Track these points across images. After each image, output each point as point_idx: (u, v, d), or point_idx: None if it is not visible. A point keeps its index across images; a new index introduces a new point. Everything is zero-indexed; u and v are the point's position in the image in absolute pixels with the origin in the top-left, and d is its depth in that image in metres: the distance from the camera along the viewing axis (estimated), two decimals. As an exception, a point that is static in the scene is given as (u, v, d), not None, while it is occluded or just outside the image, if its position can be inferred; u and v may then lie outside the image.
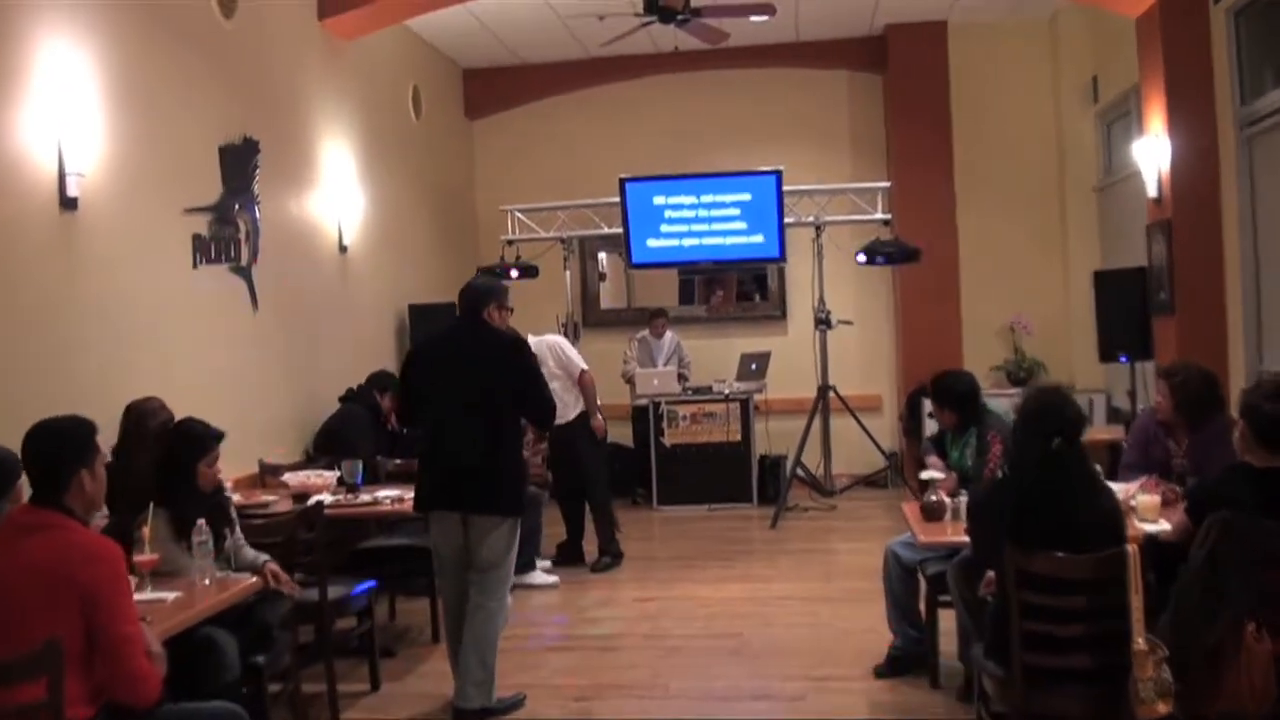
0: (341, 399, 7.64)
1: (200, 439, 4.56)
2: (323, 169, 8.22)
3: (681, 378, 10.53)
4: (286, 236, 7.59)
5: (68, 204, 5.35)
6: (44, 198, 5.25)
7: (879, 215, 9.69)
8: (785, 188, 9.45)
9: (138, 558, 4.17)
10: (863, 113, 11.07)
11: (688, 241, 9.83)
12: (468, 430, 4.91)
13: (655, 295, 11.27)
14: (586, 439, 7.88)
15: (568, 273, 10.42)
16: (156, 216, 6.12)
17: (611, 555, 7.87)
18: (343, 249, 8.47)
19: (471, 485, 4.91)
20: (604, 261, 11.64)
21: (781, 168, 9.49)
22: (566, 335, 9.79)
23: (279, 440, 7.27)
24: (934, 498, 4.84)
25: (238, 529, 4.70)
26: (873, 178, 10.36)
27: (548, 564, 7.76)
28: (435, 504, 5.06)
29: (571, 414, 7.69)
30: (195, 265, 6.47)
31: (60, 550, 3.31)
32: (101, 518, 4.32)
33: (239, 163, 6.95)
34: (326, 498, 5.87)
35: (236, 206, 6.90)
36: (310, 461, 7.28)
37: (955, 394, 5.45)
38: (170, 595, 4.05)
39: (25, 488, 3.61)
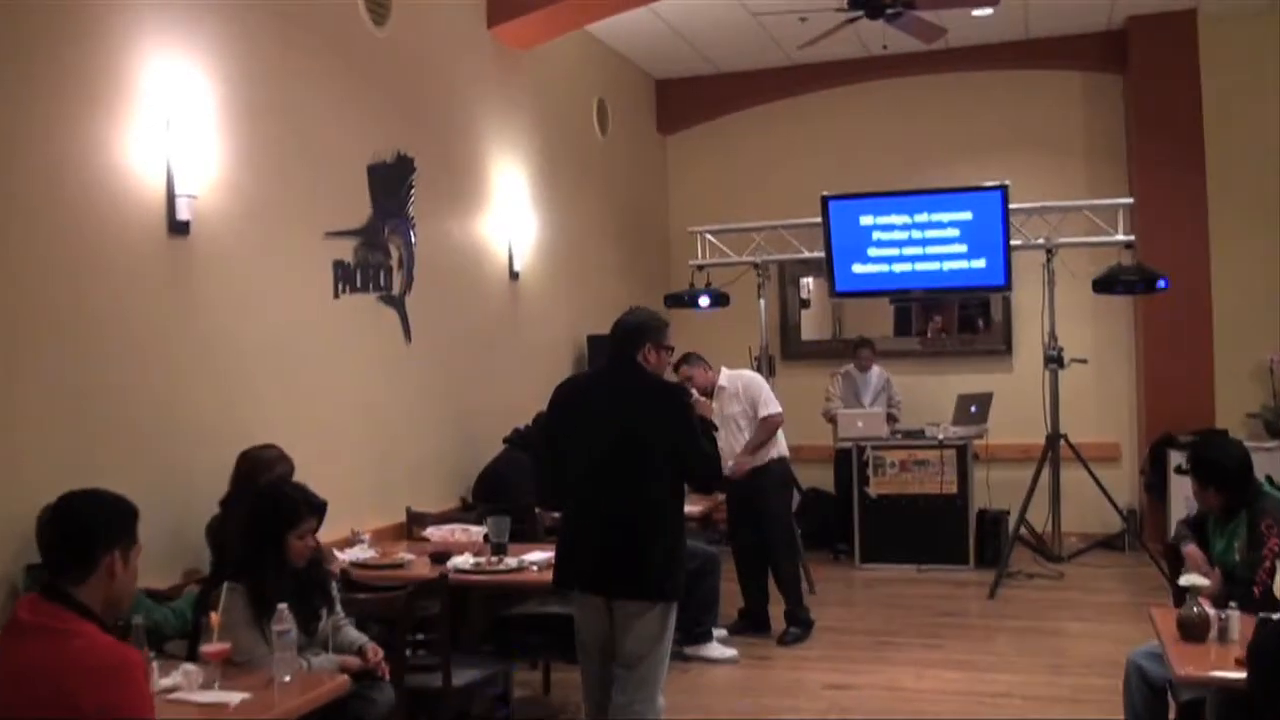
0: (506, 441, 6.92)
1: (291, 506, 3.87)
2: (491, 189, 7.56)
3: (891, 419, 9.45)
4: (447, 262, 6.95)
5: (177, 228, 4.78)
6: (152, 222, 4.70)
7: (1119, 237, 8.36)
8: (1011, 206, 8.24)
9: (204, 648, 3.51)
10: (1100, 119, 9.74)
11: (899, 267, 8.73)
12: (613, 496, 4.09)
13: (866, 324, 10.20)
14: (774, 489, 6.96)
15: (762, 301, 9.48)
16: (291, 241, 5.53)
17: (800, 625, 6.89)
18: (513, 275, 7.79)
19: (616, 563, 4.09)
20: (807, 287, 10.65)
21: (1007, 182, 8.31)
22: (760, 370, 8.90)
23: (431, 486, 6.61)
24: (1195, 610, 3.71)
25: (338, 607, 3.99)
26: (1111, 194, 9.01)
27: (724, 634, 6.84)
28: (574, 583, 4.26)
29: (758, 461, 6.82)
30: (337, 294, 5.86)
31: (65, 662, 2.62)
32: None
33: (391, 182, 6.34)
34: (468, 560, 5.14)
35: (387, 230, 6.29)
36: (467, 510, 6.60)
37: (1222, 470, 4.31)
38: (237, 698, 3.32)
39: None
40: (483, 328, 7.36)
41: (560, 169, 8.58)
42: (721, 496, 7.07)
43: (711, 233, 9.47)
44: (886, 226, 8.69)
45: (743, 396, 6.92)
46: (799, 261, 9.82)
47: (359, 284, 6.04)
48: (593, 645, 4.23)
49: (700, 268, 9.38)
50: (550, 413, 4.36)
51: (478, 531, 5.56)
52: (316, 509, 3.92)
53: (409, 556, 5.36)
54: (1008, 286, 8.62)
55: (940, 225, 8.54)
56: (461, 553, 5.28)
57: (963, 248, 8.49)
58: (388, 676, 3.91)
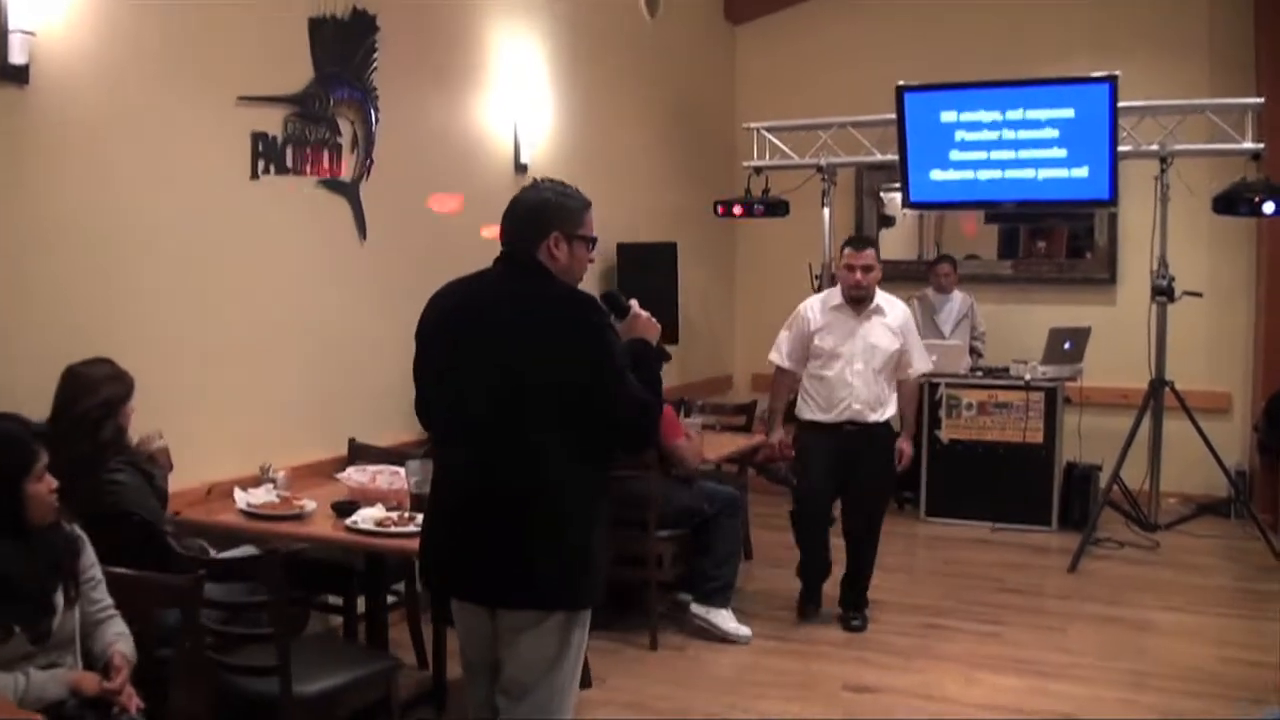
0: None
1: (18, 446, 2.80)
2: (490, 62, 6.34)
3: (973, 352, 8.13)
4: (423, 146, 5.78)
5: (10, 74, 3.72)
6: None
7: (1246, 145, 6.79)
8: (1120, 104, 6.76)
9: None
10: (1223, 7, 8.10)
11: (985, 174, 7.27)
12: (491, 463, 2.86)
13: (963, 247, 8.85)
14: (889, 453, 5.52)
15: (826, 210, 8.11)
16: (185, 103, 4.41)
17: (865, 612, 5.63)
18: (520, 168, 6.60)
19: (494, 558, 2.85)
20: (890, 203, 9.25)
21: (1117, 73, 6.80)
22: (821, 290, 7.63)
23: (393, 415, 5.51)
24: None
25: (100, 590, 2.93)
26: (1236, 95, 7.39)
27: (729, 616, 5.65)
28: (442, 584, 3.11)
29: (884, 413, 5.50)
30: (256, 174, 4.75)
31: None
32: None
33: (342, 43, 5.17)
34: (373, 514, 4.05)
35: (334, 101, 5.14)
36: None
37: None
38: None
39: None
40: (471, 226, 6.18)
41: (593, 50, 7.32)
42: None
43: (770, 130, 8.13)
44: (972, 125, 7.23)
45: (898, 331, 5.46)
46: (876, 168, 8.45)
47: (290, 164, 4.92)
48: (479, 665, 3.05)
49: (758, 170, 8.08)
50: (417, 338, 3.11)
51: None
52: (47, 437, 2.85)
53: (310, 505, 4.29)
54: (1113, 201, 7.09)
55: (1036, 124, 7.05)
56: (374, 503, 4.20)
57: (1061, 152, 7.00)
58: (133, 709, 2.79)
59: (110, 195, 4.14)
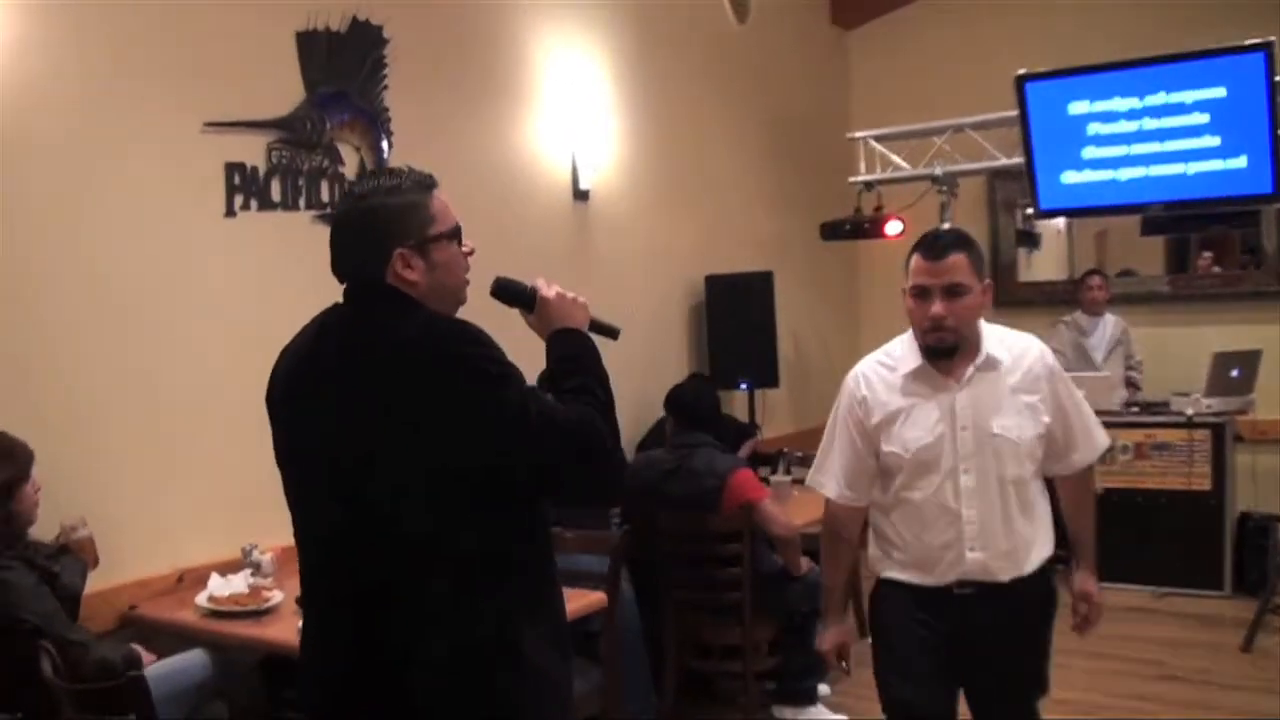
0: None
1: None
2: (536, 76, 5.66)
3: (1129, 384, 7.03)
4: (450, 171, 5.08)
5: None
6: None
7: None
8: (1281, 77, 5.64)
9: None
10: None
11: (1125, 173, 6.19)
12: (359, 575, 2.01)
13: (1121, 262, 7.76)
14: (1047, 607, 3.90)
15: (945, 227, 7.11)
16: (142, 131, 3.85)
17: None
18: (579, 195, 5.89)
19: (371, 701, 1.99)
20: (1023, 217, 8.20)
21: (1273, 39, 5.67)
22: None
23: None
24: None
25: None
26: None
27: (826, 692, 4.82)
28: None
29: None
30: (232, 211, 4.15)
31: None
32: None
33: (340, 58, 4.56)
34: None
35: (331, 125, 4.52)
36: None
37: None
38: None
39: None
40: (521, 262, 5.47)
41: (667, 60, 6.57)
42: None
43: (879, 139, 7.22)
44: (1107, 115, 6.17)
45: (1038, 395, 2.86)
46: (1010, 177, 7.39)
47: (276, 198, 4.30)
48: None
49: (868, 186, 7.17)
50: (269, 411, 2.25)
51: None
52: None
53: (278, 597, 3.60)
54: (1277, 195, 5.94)
55: (1182, 109, 5.94)
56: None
57: (1214, 140, 5.87)
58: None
59: (50, 242, 3.58)
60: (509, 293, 2.21)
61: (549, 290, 2.20)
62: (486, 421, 1.90)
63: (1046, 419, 2.80)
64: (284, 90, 4.35)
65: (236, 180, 4.16)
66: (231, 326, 4.13)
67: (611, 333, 2.29)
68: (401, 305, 2.05)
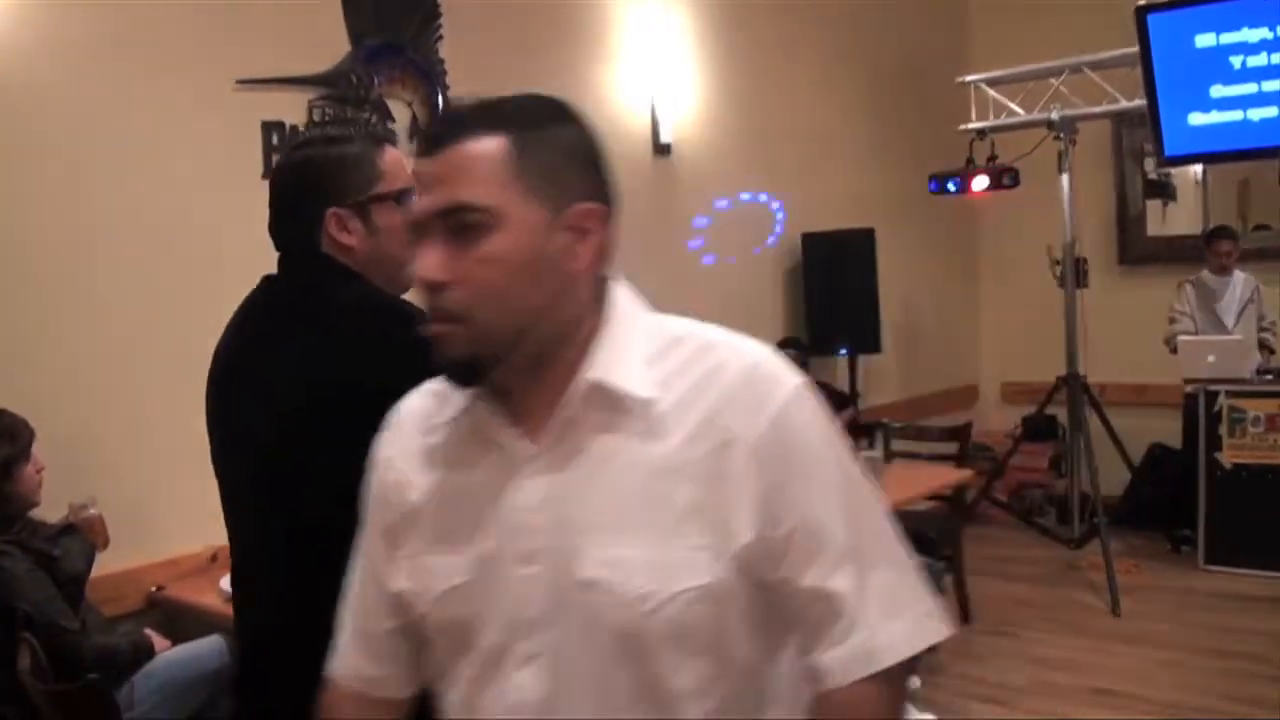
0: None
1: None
2: (611, 22, 5.34)
3: (1263, 348, 6.44)
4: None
5: None
6: None
7: None
8: None
9: None
10: None
11: (1257, 113, 5.56)
12: (263, 572, 1.80)
13: (1266, 213, 7.10)
14: None
15: (1064, 177, 6.56)
16: (167, 89, 3.67)
17: None
18: (660, 149, 5.56)
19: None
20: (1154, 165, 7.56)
21: None
22: (1066, 282, 6.23)
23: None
24: None
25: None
26: None
27: (916, 684, 4.45)
28: None
29: None
30: (267, 173, 3.96)
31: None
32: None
33: (389, 8, 4.32)
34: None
35: (380, 81, 4.29)
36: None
37: None
38: None
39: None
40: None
41: (755, 5, 6.18)
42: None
43: (990, 82, 6.70)
44: (1237, 47, 5.53)
45: (724, 471, 1.23)
46: (1118, 115, 6.74)
47: (320, 158, 4.10)
48: None
49: (980, 134, 6.66)
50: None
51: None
52: None
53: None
54: None
55: (1324, 41, 5.33)
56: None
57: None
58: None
59: (79, 206, 3.43)
60: None
61: None
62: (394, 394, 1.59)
63: (744, 542, 1.16)
64: (327, 44, 4.13)
65: (275, 140, 3.96)
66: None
67: None
68: (332, 273, 1.80)
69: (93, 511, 3.18)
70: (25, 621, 2.77)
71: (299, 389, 1.68)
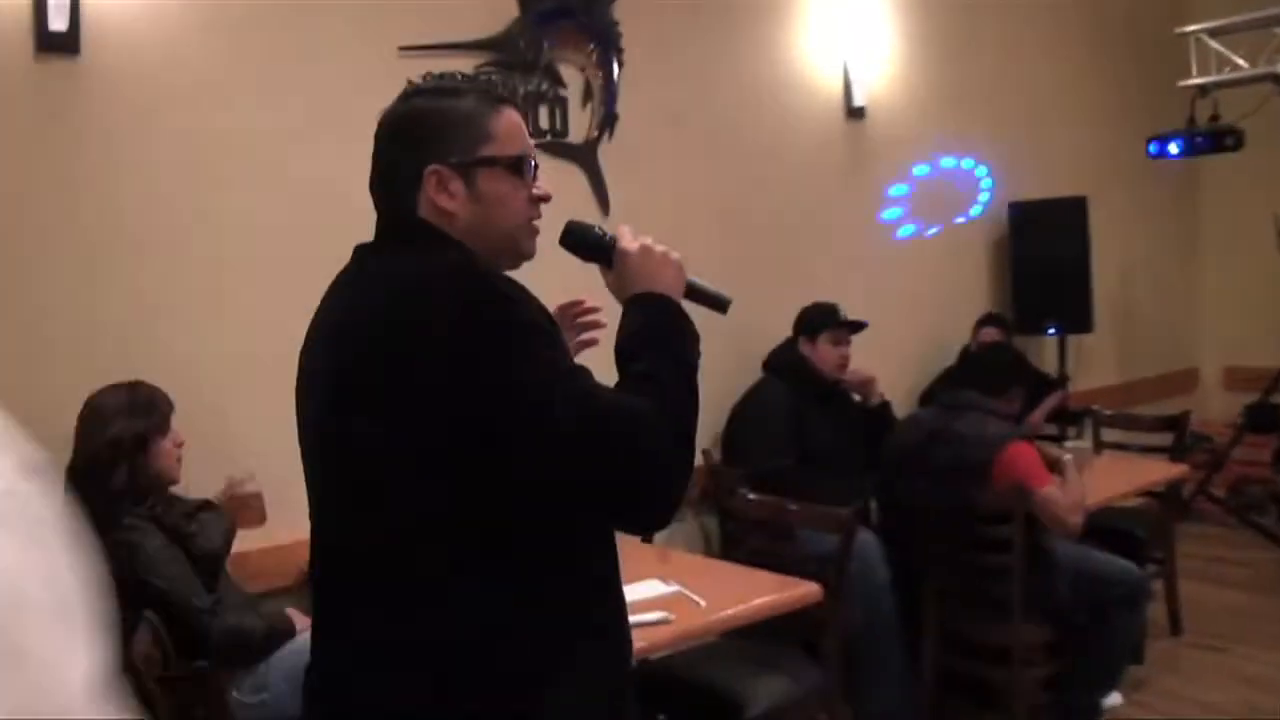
0: (766, 365, 4.52)
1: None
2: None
3: None
4: (692, 91, 4.56)
5: (52, 43, 3.03)
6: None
7: None
8: None
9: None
10: None
11: None
12: (334, 577, 1.62)
13: None
14: None
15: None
16: (321, 59, 3.56)
17: None
18: (854, 112, 5.21)
19: None
20: None
21: None
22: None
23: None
24: None
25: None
26: None
27: (1117, 701, 4.04)
28: None
29: None
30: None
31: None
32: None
33: (558, -31, 4.13)
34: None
35: (549, 44, 4.10)
36: (712, 473, 4.36)
37: None
38: None
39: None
40: (785, 193, 4.91)
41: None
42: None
43: (1212, 33, 6.08)
44: None
45: None
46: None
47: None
48: None
49: (1202, 91, 6.06)
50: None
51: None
52: None
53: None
54: None
55: None
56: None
57: None
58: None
59: (234, 181, 3.36)
60: (581, 241, 1.74)
61: (631, 242, 1.69)
62: (496, 395, 1.42)
63: None
64: (492, 8, 3.96)
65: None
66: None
67: (717, 303, 1.78)
68: (429, 241, 1.59)
69: (251, 488, 3.09)
70: (158, 598, 2.68)
71: (375, 364, 1.49)
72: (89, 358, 3.04)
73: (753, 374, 4.49)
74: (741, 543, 3.70)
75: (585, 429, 1.41)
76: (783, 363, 4.43)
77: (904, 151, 5.47)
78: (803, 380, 4.36)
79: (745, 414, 4.36)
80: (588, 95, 4.21)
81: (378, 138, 1.67)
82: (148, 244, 3.25)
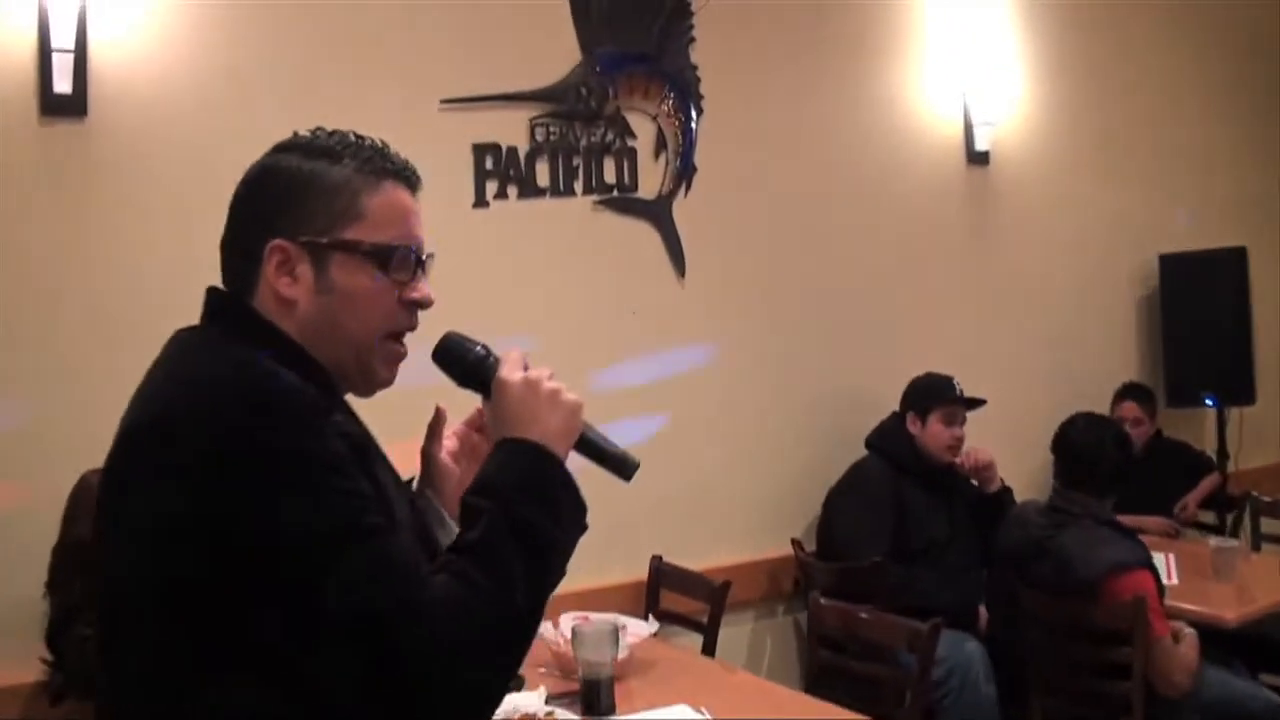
0: (869, 444, 4.00)
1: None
2: (913, 19, 4.53)
3: None
4: (785, 140, 4.13)
5: (56, 107, 2.85)
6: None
7: None
8: None
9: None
10: None
11: None
12: None
13: None
14: None
15: None
16: (349, 110, 3.26)
17: None
18: (975, 157, 4.67)
19: None
20: None
21: None
22: None
23: (740, 517, 3.95)
24: None
25: None
26: None
27: None
28: None
29: None
30: (483, 200, 3.48)
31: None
32: None
33: (625, 10, 3.75)
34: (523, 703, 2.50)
35: (616, 92, 3.72)
36: (802, 563, 3.90)
37: None
38: None
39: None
40: (898, 249, 4.40)
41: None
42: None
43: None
44: None
45: None
46: None
47: (543, 182, 3.57)
48: None
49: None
50: None
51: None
52: None
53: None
54: None
55: None
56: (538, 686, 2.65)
57: None
58: None
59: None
60: (455, 360, 1.35)
61: (514, 370, 1.29)
62: (245, 550, 1.08)
63: None
64: (550, 54, 3.61)
65: (489, 164, 3.48)
66: (488, 334, 3.45)
67: (620, 466, 1.36)
68: (244, 334, 1.24)
69: None
70: None
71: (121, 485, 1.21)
72: (101, 422, 2.78)
73: (853, 451, 3.99)
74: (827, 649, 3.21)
75: (352, 612, 1.05)
76: (887, 441, 3.92)
77: (1034, 201, 4.89)
78: (908, 461, 3.85)
79: (841, 498, 3.87)
80: (660, 146, 3.82)
81: (234, 195, 1.31)
82: (160, 307, 2.96)
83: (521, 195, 3.53)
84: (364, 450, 1.18)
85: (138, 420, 1.19)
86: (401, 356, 1.32)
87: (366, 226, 1.25)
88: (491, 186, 3.48)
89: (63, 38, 2.82)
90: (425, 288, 1.31)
